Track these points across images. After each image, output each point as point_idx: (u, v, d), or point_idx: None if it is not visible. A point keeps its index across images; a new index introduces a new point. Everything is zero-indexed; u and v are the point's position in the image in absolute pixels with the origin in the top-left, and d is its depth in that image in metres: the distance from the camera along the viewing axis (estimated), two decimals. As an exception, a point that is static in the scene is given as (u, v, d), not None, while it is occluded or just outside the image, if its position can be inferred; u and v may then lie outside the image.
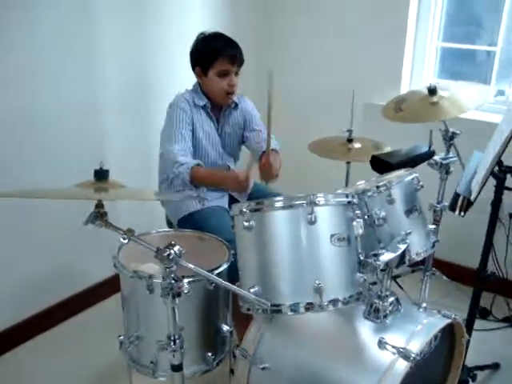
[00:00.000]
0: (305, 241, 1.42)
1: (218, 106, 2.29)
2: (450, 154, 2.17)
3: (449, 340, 1.81)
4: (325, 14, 3.17)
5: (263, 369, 1.64)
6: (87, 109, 2.50)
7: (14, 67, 2.20)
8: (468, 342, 1.93)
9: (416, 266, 2.56)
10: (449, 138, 2.15)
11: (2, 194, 1.33)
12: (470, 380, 2.07)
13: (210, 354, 1.76)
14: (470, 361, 2.26)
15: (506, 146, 1.53)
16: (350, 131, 2.38)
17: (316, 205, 1.40)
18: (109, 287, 2.65)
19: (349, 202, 1.50)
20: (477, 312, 1.94)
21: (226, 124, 2.33)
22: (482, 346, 2.48)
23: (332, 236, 1.43)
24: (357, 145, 2.40)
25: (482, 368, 2.26)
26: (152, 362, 1.72)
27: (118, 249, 1.79)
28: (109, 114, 2.59)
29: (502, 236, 2.76)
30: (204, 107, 2.25)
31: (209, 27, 2.26)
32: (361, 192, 1.64)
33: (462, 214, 1.65)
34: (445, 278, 2.49)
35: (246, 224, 1.45)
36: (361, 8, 3.03)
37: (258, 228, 1.45)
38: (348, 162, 2.47)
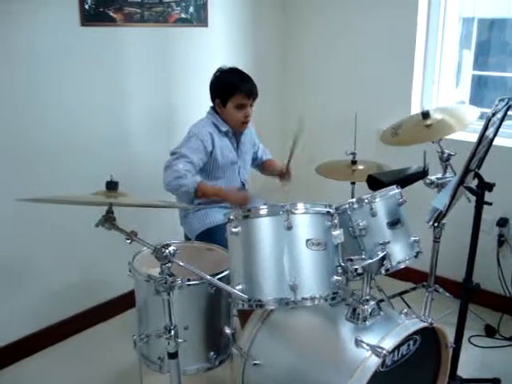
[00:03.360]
0: (283, 244, 1.62)
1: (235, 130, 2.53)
2: (447, 174, 2.31)
3: (435, 348, 1.92)
4: (339, 44, 3.37)
5: (255, 365, 1.80)
6: (117, 138, 2.81)
7: (57, 102, 2.53)
8: (456, 351, 2.03)
9: (419, 283, 2.68)
10: (445, 159, 2.30)
11: (32, 200, 1.60)
12: (462, 390, 2.14)
13: (212, 354, 1.94)
14: (472, 375, 2.35)
15: (472, 155, 1.68)
16: (353, 154, 2.56)
17: (292, 213, 1.60)
18: (127, 301, 2.79)
19: (328, 212, 1.68)
20: (465, 321, 2.03)
21: (243, 144, 2.58)
22: (485, 362, 2.55)
23: (308, 240, 1.62)
24: (360, 166, 2.57)
25: (479, 381, 2.33)
26: (159, 358, 1.92)
27: (133, 256, 2.03)
28: (135, 144, 2.90)
29: (509, 256, 2.84)
30: (226, 133, 2.48)
31: (229, 64, 2.52)
32: (345, 205, 1.83)
33: (436, 224, 1.79)
34: (448, 294, 2.58)
35: (233, 230, 1.66)
36: (371, 36, 3.21)
37: (243, 233, 1.66)
38: (353, 183, 2.64)
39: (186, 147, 2.36)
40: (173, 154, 2.40)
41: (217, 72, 2.48)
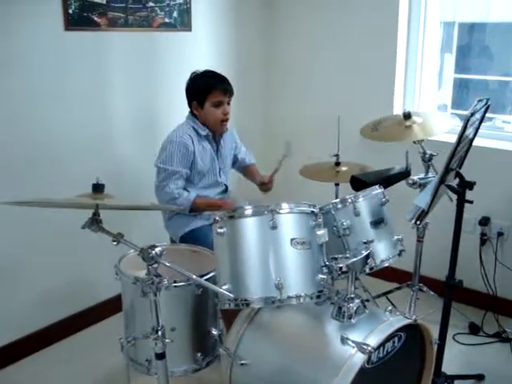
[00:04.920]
0: (268, 243, 1.65)
1: (214, 133, 2.54)
2: (429, 174, 2.35)
3: (420, 345, 1.95)
4: (322, 47, 3.40)
5: (243, 365, 1.81)
6: (102, 141, 2.81)
7: (41, 105, 2.53)
8: (440, 347, 2.07)
9: (404, 283, 2.72)
10: (427, 160, 2.35)
11: (18, 203, 1.60)
12: (447, 386, 2.18)
13: (199, 355, 1.95)
14: (456, 371, 2.38)
15: (452, 155, 1.72)
16: (337, 155, 2.59)
17: (277, 213, 1.63)
18: (114, 305, 2.78)
19: (312, 212, 1.70)
20: (449, 318, 2.06)
21: (223, 147, 2.59)
22: (469, 358, 2.60)
23: (292, 240, 1.64)
24: (344, 168, 2.61)
25: (463, 377, 2.36)
26: (147, 360, 1.93)
27: (119, 259, 2.03)
28: (120, 147, 2.90)
29: (491, 254, 2.89)
30: (206, 136, 2.49)
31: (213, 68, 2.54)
32: (329, 205, 1.85)
33: (418, 222, 1.82)
34: (432, 293, 2.62)
35: (219, 230, 1.68)
36: (354, 40, 3.26)
37: (229, 233, 1.68)
38: (337, 184, 2.67)
39: (172, 162, 2.38)
40: (160, 170, 2.40)
41: (191, 76, 2.51)
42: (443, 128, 2.28)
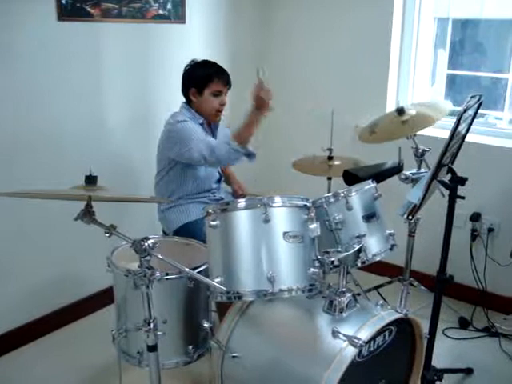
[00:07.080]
0: (260, 237, 1.65)
1: (209, 122, 2.55)
2: (422, 170, 2.37)
3: (411, 339, 1.96)
4: (316, 41, 3.40)
5: (234, 357, 1.82)
6: (95, 133, 2.79)
7: (33, 96, 2.52)
8: (430, 341, 2.08)
9: (395, 276, 2.73)
10: (419, 155, 2.36)
11: (9, 194, 1.60)
12: (437, 380, 2.19)
13: (191, 347, 1.95)
14: (446, 365, 2.41)
15: (445, 150, 1.73)
16: (330, 150, 2.60)
17: (270, 206, 1.63)
18: (106, 297, 2.78)
19: (305, 206, 1.71)
20: (439, 312, 2.07)
21: (218, 138, 2.58)
22: (459, 352, 2.62)
23: (285, 233, 1.65)
24: (337, 162, 2.61)
25: (452, 371, 2.39)
26: (138, 352, 1.93)
27: (112, 251, 2.03)
28: (113, 139, 2.89)
29: (481, 250, 2.91)
30: (201, 124, 2.49)
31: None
32: (321, 199, 1.86)
33: (410, 217, 1.83)
34: (423, 288, 2.64)
35: (212, 223, 1.68)
36: (348, 34, 3.26)
37: (221, 226, 1.68)
38: (329, 178, 2.67)
39: (191, 138, 2.34)
40: (183, 152, 2.37)
41: (191, 63, 2.51)
42: (439, 114, 2.26)
